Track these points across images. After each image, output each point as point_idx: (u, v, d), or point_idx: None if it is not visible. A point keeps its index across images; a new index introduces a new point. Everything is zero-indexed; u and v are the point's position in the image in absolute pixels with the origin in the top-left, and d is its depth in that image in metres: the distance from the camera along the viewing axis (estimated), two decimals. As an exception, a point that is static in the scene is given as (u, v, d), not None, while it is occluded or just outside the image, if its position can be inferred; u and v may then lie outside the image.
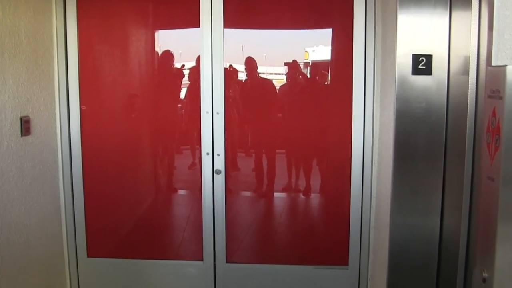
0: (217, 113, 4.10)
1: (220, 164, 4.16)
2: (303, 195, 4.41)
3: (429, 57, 2.95)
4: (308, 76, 4.33)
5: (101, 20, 4.25)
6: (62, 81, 4.17)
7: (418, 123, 3.00)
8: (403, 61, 2.99)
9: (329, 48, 4.17)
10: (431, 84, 2.96)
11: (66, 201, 4.31)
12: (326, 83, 4.32)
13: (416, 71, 2.97)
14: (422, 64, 2.95)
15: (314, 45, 4.22)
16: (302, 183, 4.38)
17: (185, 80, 4.34)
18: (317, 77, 4.38)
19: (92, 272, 4.45)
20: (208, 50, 4.07)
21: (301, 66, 4.25)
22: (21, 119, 3.64)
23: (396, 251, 3.15)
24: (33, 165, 3.84)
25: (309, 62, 4.25)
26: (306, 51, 4.22)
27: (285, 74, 4.25)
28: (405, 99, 3.00)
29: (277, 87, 4.27)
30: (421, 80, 2.97)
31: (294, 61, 4.23)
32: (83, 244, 4.40)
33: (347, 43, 4.02)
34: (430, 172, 3.02)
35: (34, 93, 3.84)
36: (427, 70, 2.96)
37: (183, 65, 4.31)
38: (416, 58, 2.96)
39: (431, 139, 3.00)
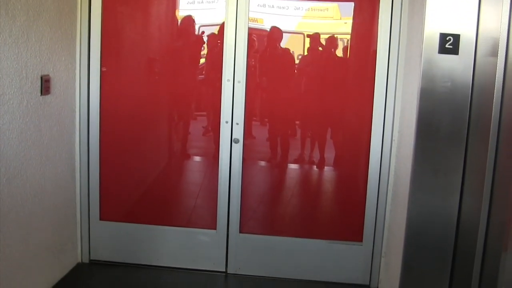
0: (239, 82, 4.07)
1: (239, 133, 4.13)
2: (319, 168, 4.40)
3: (456, 37, 2.92)
4: (330, 48, 4.28)
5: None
6: (84, 41, 4.12)
7: (442, 102, 2.99)
8: (430, 39, 2.96)
9: (352, 21, 4.15)
10: (458, 64, 2.94)
11: (82, 163, 4.30)
12: (347, 56, 4.27)
13: (443, 50, 2.95)
14: (449, 44, 2.93)
15: (339, 18, 4.18)
16: (318, 156, 4.35)
17: (205, 47, 4.31)
18: (338, 50, 4.31)
19: (103, 235, 4.46)
20: (232, 17, 4.02)
21: (324, 38, 4.21)
22: (41, 77, 3.61)
23: (413, 230, 3.14)
24: (51, 125, 3.82)
25: (331, 35, 4.20)
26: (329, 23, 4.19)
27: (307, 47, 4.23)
28: (430, 78, 2.98)
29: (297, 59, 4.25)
30: (448, 59, 2.95)
31: (316, 33, 4.19)
32: (96, 207, 4.40)
33: (372, 18, 4.00)
34: (452, 151, 3.01)
35: (56, 53, 3.79)
36: (454, 50, 2.94)
37: (203, 32, 4.26)
38: (443, 37, 2.94)
39: (455, 119, 2.98)
